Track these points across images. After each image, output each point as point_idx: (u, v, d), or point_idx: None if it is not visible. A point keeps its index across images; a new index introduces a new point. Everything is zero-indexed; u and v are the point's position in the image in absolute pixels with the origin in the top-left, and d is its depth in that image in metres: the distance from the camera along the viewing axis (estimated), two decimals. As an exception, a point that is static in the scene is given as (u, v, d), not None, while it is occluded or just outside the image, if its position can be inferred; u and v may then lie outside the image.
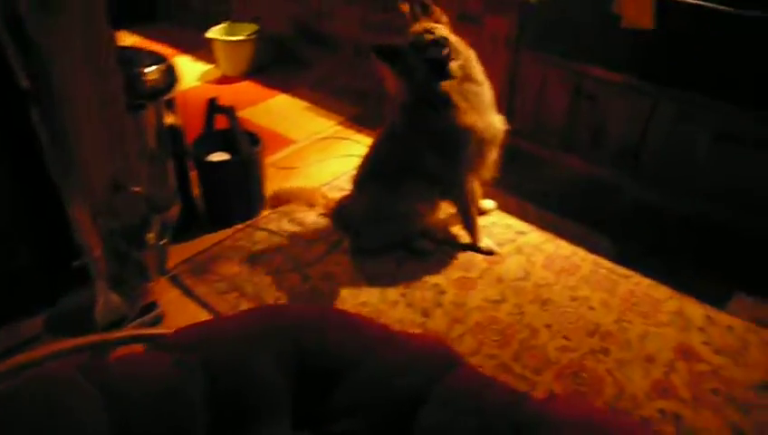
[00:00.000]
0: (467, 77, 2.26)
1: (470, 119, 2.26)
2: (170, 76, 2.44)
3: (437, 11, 2.32)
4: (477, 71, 2.29)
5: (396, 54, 2.23)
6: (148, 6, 4.89)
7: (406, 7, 2.32)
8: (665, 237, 2.63)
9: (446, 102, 2.23)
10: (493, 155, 2.41)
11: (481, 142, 2.32)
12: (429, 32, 2.21)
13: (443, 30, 2.25)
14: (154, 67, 2.36)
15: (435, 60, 2.18)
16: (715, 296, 2.34)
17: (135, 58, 2.41)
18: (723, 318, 2.25)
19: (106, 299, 2.07)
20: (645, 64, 2.50)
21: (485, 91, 2.32)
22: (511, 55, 2.86)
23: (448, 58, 2.19)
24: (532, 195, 2.88)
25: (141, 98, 2.32)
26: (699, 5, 2.32)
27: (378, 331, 1.37)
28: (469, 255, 2.53)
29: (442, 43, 2.19)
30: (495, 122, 2.35)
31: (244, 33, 4.02)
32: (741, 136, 2.35)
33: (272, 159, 3.15)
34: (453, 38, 2.25)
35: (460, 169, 2.39)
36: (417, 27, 2.26)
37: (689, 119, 2.46)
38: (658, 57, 2.45)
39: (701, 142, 2.45)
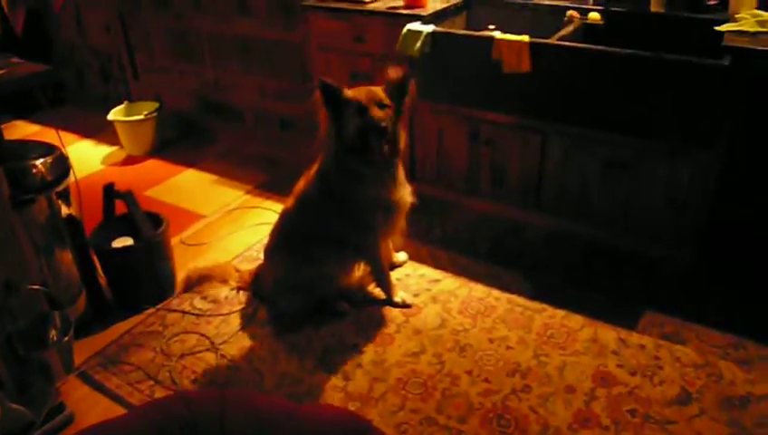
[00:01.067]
0: (395, 151, 2.31)
1: (384, 193, 2.32)
2: (61, 166, 2.38)
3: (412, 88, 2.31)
4: (402, 143, 2.34)
5: (337, 99, 2.21)
6: (53, 92, 4.80)
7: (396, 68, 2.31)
8: (573, 266, 2.72)
9: (358, 174, 2.28)
10: (401, 223, 2.49)
11: (393, 213, 2.40)
12: (382, 104, 2.21)
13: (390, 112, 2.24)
14: (42, 159, 2.30)
15: (373, 128, 2.18)
16: (625, 317, 2.41)
17: (22, 151, 2.35)
18: (634, 338, 2.32)
19: (5, 409, 1.95)
20: (531, 104, 2.61)
21: (400, 163, 2.39)
22: (406, 109, 2.93)
23: (384, 134, 2.20)
24: (442, 241, 2.93)
25: (30, 192, 2.25)
26: (568, 47, 2.46)
27: (280, 408, 1.34)
28: (386, 310, 2.53)
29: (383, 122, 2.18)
30: (405, 195, 2.42)
31: (144, 111, 3.99)
32: (625, 163, 2.47)
33: (181, 237, 3.10)
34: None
35: (372, 237, 2.43)
36: (373, 92, 2.23)
37: (579, 150, 2.57)
38: (542, 96, 2.56)
39: (592, 172, 2.56)
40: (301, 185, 2.48)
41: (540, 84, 2.53)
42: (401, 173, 2.41)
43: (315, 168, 2.42)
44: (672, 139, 2.36)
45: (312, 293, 2.46)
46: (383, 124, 2.18)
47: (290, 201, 2.50)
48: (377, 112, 2.18)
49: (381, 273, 2.54)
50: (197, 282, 2.70)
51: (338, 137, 2.25)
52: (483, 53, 2.58)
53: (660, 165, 2.42)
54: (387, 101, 2.22)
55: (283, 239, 2.50)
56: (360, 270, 2.60)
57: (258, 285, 2.64)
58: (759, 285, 2.48)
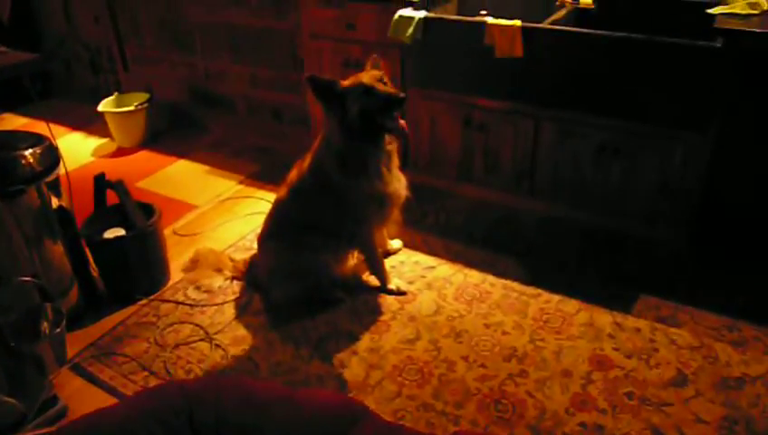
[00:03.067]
0: (391, 138, 2.30)
1: (380, 186, 2.31)
2: (50, 157, 2.35)
3: (383, 67, 2.34)
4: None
5: (330, 90, 2.19)
6: (42, 85, 4.75)
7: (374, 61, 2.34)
8: (568, 251, 2.71)
9: (360, 163, 2.26)
10: (396, 214, 2.49)
11: (388, 206, 2.39)
12: (383, 81, 2.22)
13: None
14: (31, 149, 2.27)
15: (383, 100, 2.16)
16: (620, 301, 2.41)
17: (10, 142, 2.32)
18: (630, 322, 2.32)
19: (-2, 402, 1.93)
20: (523, 89, 2.59)
21: (395, 153, 2.38)
22: (398, 95, 2.91)
23: (402, 102, 2.19)
24: (436, 228, 2.92)
25: (19, 182, 2.22)
26: (560, 30, 2.45)
27: (276, 393, 1.33)
28: (381, 297, 2.52)
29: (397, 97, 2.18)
30: (401, 188, 2.41)
31: (134, 103, 3.95)
32: (618, 147, 2.46)
33: (174, 227, 3.08)
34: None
35: (365, 228, 2.43)
36: (367, 75, 2.23)
37: (571, 135, 2.56)
38: (534, 81, 2.55)
39: (585, 156, 2.55)
40: (294, 174, 2.46)
41: (532, 69, 2.52)
42: (396, 164, 2.40)
43: (309, 159, 2.40)
44: (664, 122, 2.35)
45: (305, 281, 2.45)
46: (401, 95, 2.16)
47: (283, 190, 2.49)
48: (384, 87, 2.18)
49: (375, 261, 2.53)
50: (198, 263, 2.67)
51: (341, 127, 2.23)
52: (475, 39, 2.56)
53: (653, 149, 2.42)
54: (386, 79, 2.22)
55: (276, 228, 2.48)
56: (354, 258, 2.59)
57: (252, 275, 2.63)
58: (753, 266, 2.49)
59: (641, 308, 2.38)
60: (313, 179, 2.36)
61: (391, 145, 2.33)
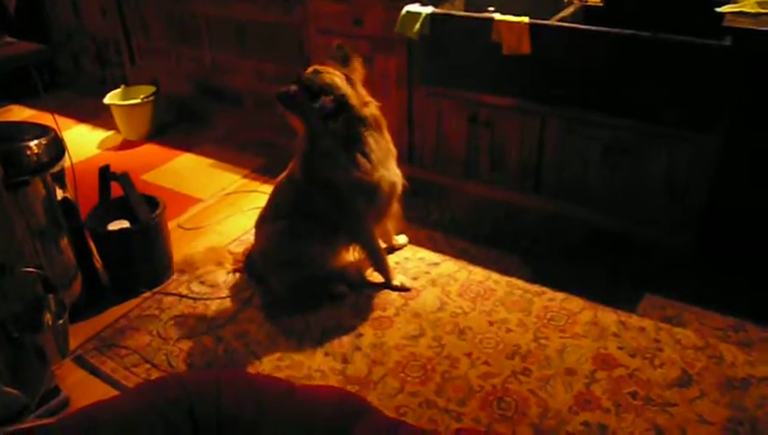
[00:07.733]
0: (372, 126, 2.29)
1: (359, 174, 2.28)
2: (56, 149, 2.35)
3: (356, 61, 2.35)
4: (380, 120, 2.32)
5: (293, 99, 2.24)
6: (49, 77, 4.74)
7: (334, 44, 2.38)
8: (573, 250, 2.70)
9: (331, 153, 2.27)
10: (393, 207, 2.47)
11: (378, 196, 2.35)
12: (317, 72, 2.25)
13: (334, 76, 2.26)
14: (36, 141, 2.27)
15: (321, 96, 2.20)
16: (625, 300, 2.40)
17: (16, 133, 2.32)
18: (634, 321, 2.30)
19: (-1, 392, 1.93)
20: (530, 86, 2.58)
21: (387, 141, 2.36)
22: (405, 92, 2.91)
23: (334, 101, 2.21)
24: (440, 225, 2.91)
25: (24, 173, 2.22)
26: (568, 28, 2.43)
27: (277, 387, 1.32)
28: (385, 293, 2.51)
29: (327, 87, 2.22)
30: (390, 176, 2.37)
31: (141, 95, 3.95)
32: (624, 146, 2.45)
33: (178, 220, 3.07)
34: (343, 84, 2.26)
35: (360, 222, 2.41)
36: (309, 69, 2.29)
37: (578, 133, 2.54)
38: (541, 78, 2.54)
39: (592, 155, 2.54)
40: (293, 163, 2.47)
41: (539, 66, 2.50)
42: (385, 152, 2.35)
43: (301, 148, 2.40)
44: (672, 122, 2.33)
45: (301, 270, 2.43)
46: (307, 75, 2.24)
47: (282, 175, 2.53)
48: (307, 74, 2.26)
49: (377, 256, 2.51)
50: (193, 268, 2.67)
51: (306, 125, 2.29)
52: (482, 35, 2.55)
53: (660, 149, 2.40)
54: (327, 69, 2.27)
55: (273, 211, 2.50)
56: (355, 253, 2.57)
57: (252, 266, 2.62)
58: (759, 267, 2.47)
59: (646, 307, 2.37)
60: (302, 174, 2.37)
61: (368, 132, 2.29)
